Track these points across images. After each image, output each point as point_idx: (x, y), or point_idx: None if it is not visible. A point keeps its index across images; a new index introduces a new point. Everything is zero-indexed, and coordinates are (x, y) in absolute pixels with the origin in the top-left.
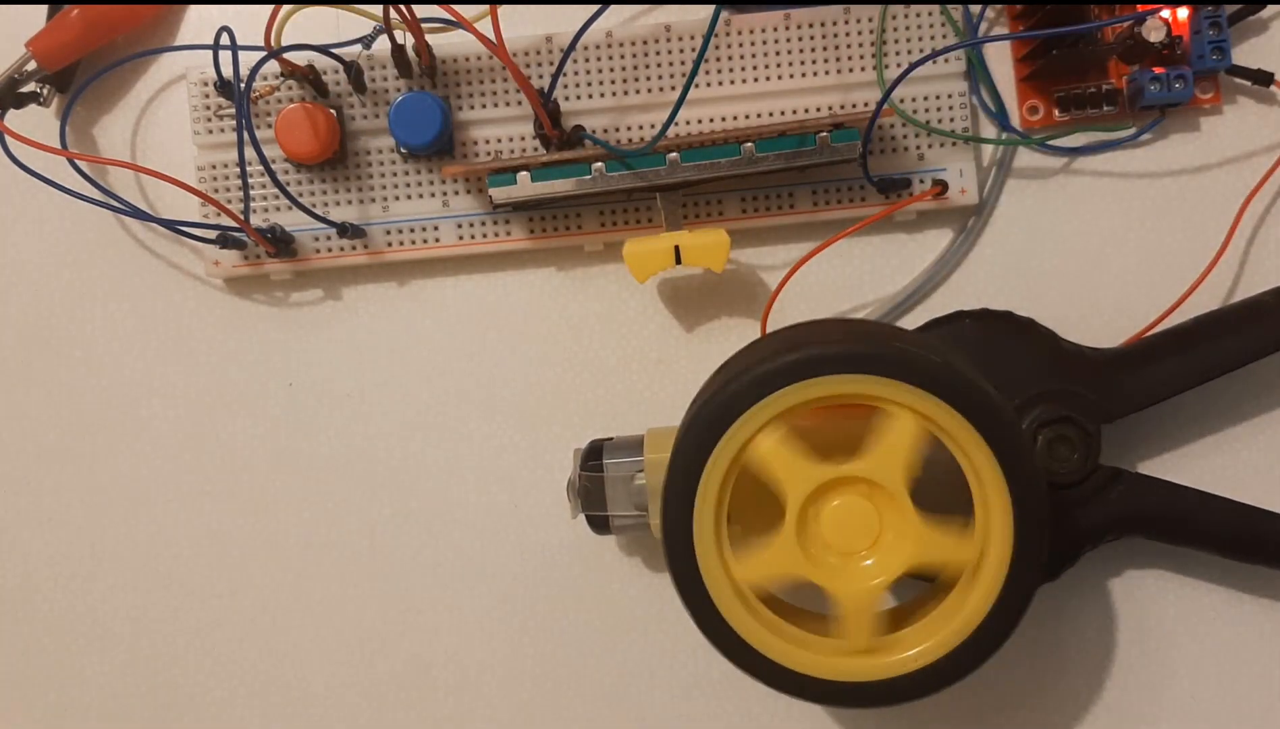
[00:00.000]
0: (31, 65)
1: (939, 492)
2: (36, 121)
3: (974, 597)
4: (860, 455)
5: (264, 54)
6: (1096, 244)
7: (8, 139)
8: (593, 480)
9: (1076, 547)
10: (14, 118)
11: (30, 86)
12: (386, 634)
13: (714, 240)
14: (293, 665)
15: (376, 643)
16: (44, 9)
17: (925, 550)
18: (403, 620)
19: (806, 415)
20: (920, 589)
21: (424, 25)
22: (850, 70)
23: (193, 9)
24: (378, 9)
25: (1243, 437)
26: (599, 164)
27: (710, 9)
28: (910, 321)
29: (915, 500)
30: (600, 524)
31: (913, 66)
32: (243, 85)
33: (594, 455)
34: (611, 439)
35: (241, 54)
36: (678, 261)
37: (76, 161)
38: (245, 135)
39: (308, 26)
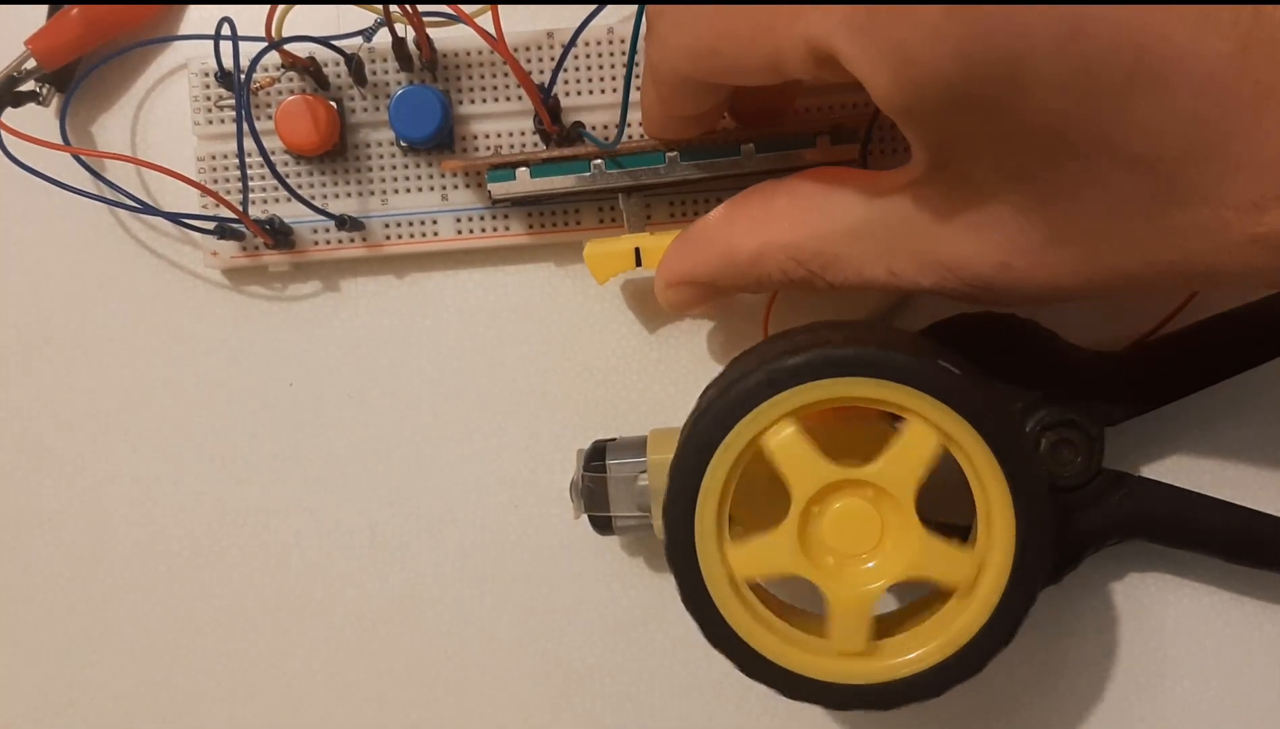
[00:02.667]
0: (31, 64)
1: (941, 502)
2: (36, 120)
3: (975, 602)
4: (873, 460)
5: (265, 45)
6: None
7: (5, 136)
8: (596, 481)
9: (1079, 550)
10: (12, 116)
11: (29, 85)
12: (386, 634)
13: None
14: (292, 665)
15: (376, 642)
16: (44, 8)
17: (924, 563)
18: (403, 620)
19: (820, 417)
20: (923, 592)
21: (425, 19)
22: None
23: (193, 6)
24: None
25: (1247, 441)
26: (598, 161)
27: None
28: (910, 322)
29: (919, 510)
30: (603, 525)
31: None
32: (243, 76)
33: (597, 456)
34: (615, 440)
35: (242, 45)
36: (638, 263)
37: (76, 155)
38: (245, 126)
39: (309, 18)
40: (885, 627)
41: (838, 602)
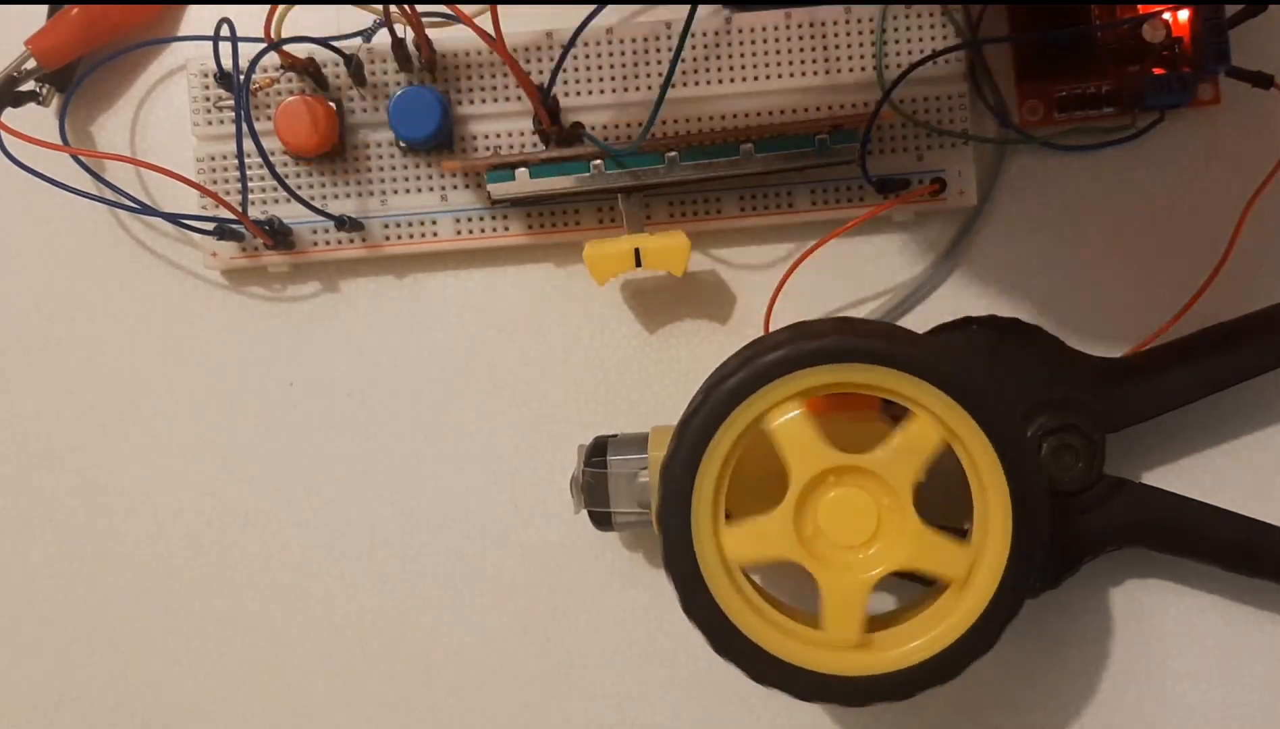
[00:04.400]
0: (30, 64)
1: (939, 501)
2: (36, 120)
3: (967, 599)
4: (875, 449)
5: (264, 46)
6: (1095, 246)
7: (5, 136)
8: (596, 476)
9: (1078, 555)
10: (11, 116)
11: (29, 85)
12: (387, 633)
13: (674, 243)
14: (292, 665)
15: (377, 641)
16: (44, 8)
17: (919, 555)
18: (403, 619)
19: (824, 409)
20: (914, 590)
21: (424, 20)
22: (850, 70)
23: (193, 7)
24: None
25: (1247, 449)
26: (598, 161)
27: (688, 8)
28: (910, 322)
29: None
30: (603, 520)
31: (913, 67)
32: (242, 77)
33: (598, 451)
34: (616, 435)
35: (241, 46)
36: (638, 264)
37: (75, 156)
38: (244, 127)
39: (308, 19)
40: (873, 622)
41: (831, 589)
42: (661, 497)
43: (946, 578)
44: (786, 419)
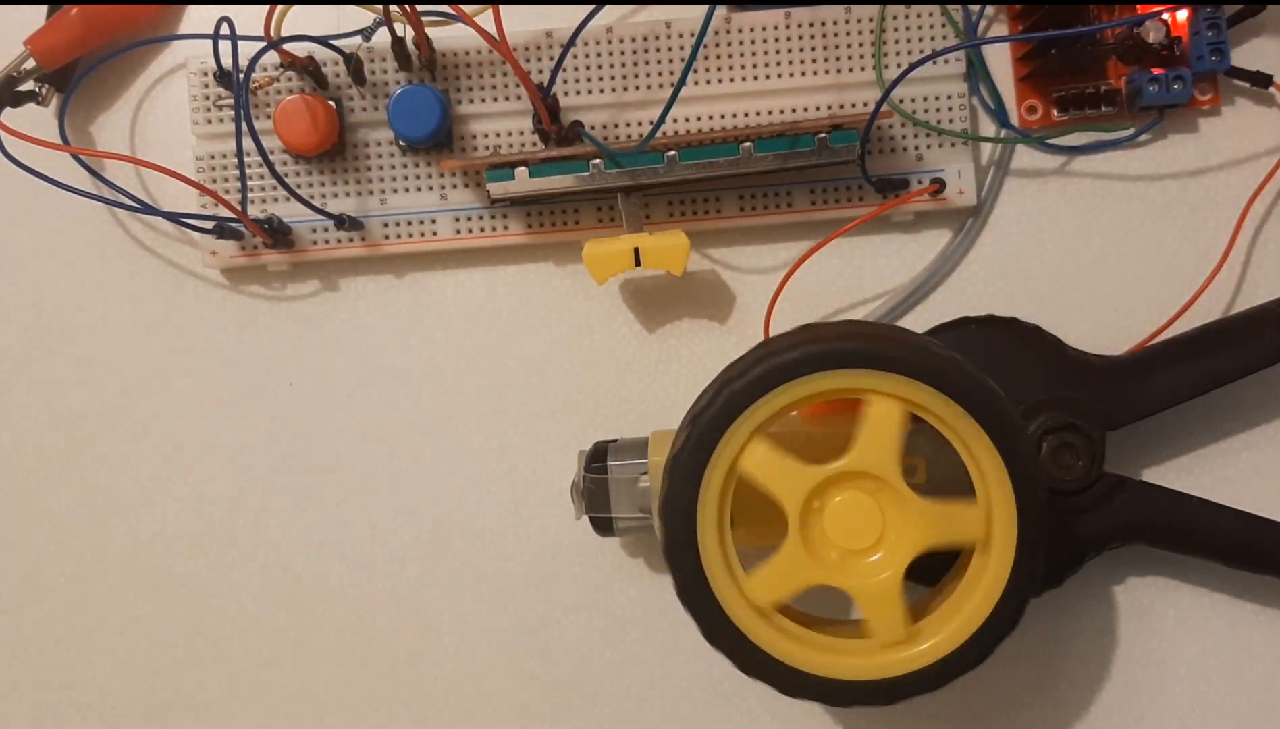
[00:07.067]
0: (30, 64)
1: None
2: (35, 119)
3: (973, 600)
4: (849, 450)
5: (264, 45)
6: (1095, 246)
7: (5, 136)
8: (597, 482)
9: (1079, 553)
10: (11, 116)
11: (29, 85)
12: (387, 634)
13: (673, 242)
14: (293, 665)
15: (377, 643)
16: (44, 8)
17: (933, 530)
18: (403, 620)
19: (796, 422)
20: (918, 594)
21: (424, 18)
22: (850, 70)
23: (192, 6)
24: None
25: (1248, 445)
26: (597, 161)
27: (707, 8)
28: (910, 323)
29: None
30: (604, 526)
31: (913, 66)
32: (242, 76)
33: (598, 457)
34: (616, 441)
35: (241, 45)
36: (637, 263)
37: (75, 155)
38: (244, 126)
39: (308, 18)
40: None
41: (863, 595)
42: (679, 581)
43: (968, 541)
44: (757, 456)
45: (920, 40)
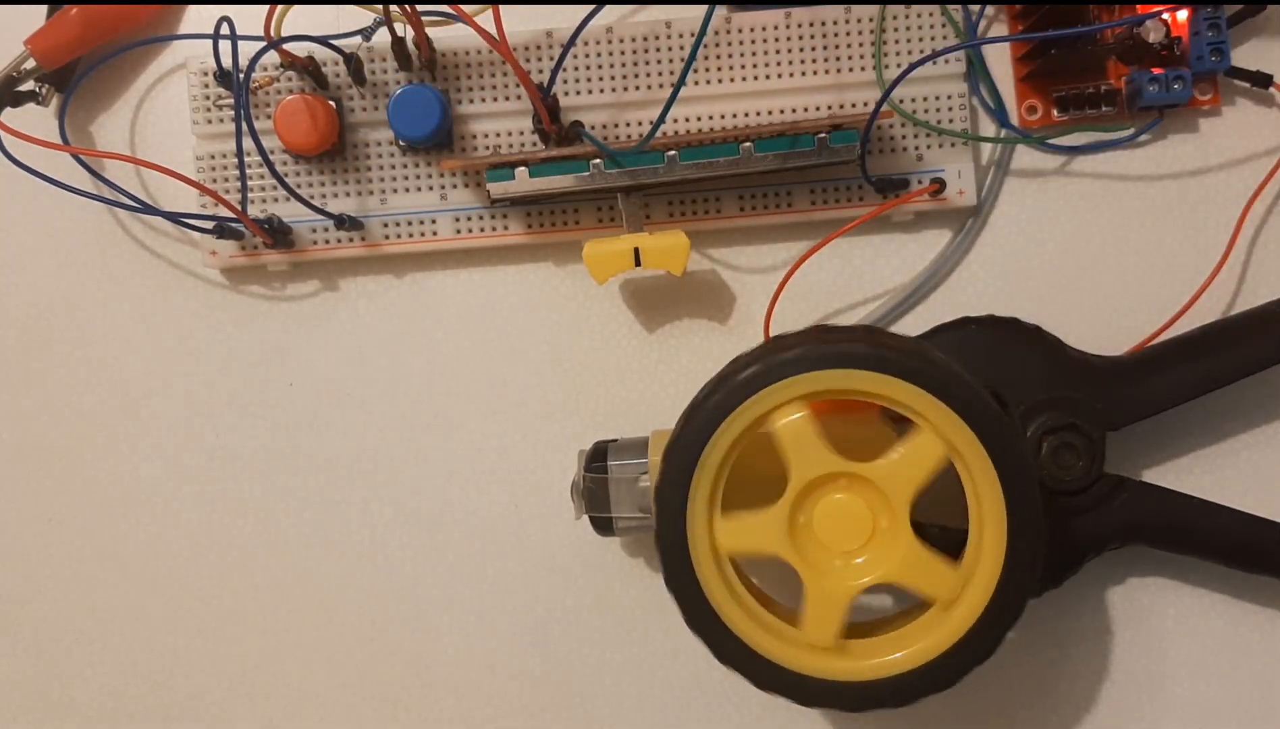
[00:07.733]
0: (30, 64)
1: (938, 507)
2: (35, 119)
3: (963, 606)
4: (877, 460)
5: (264, 45)
6: (1094, 245)
7: (5, 136)
8: (597, 482)
9: (1079, 554)
10: (11, 116)
11: (29, 85)
12: (387, 634)
13: (673, 243)
14: (293, 665)
15: (377, 643)
16: (44, 8)
17: (907, 571)
18: (403, 620)
19: (828, 413)
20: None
21: (424, 18)
22: (850, 70)
23: (192, 6)
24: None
25: (1248, 446)
26: (597, 161)
27: (707, 8)
28: (909, 323)
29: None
30: (604, 526)
31: (913, 66)
32: (242, 76)
33: (598, 457)
34: (616, 440)
35: (241, 45)
36: (637, 263)
37: (75, 155)
38: (244, 126)
39: (308, 18)
40: (861, 631)
41: (815, 592)
42: (663, 472)
43: (931, 598)
44: (791, 420)
45: (920, 40)
